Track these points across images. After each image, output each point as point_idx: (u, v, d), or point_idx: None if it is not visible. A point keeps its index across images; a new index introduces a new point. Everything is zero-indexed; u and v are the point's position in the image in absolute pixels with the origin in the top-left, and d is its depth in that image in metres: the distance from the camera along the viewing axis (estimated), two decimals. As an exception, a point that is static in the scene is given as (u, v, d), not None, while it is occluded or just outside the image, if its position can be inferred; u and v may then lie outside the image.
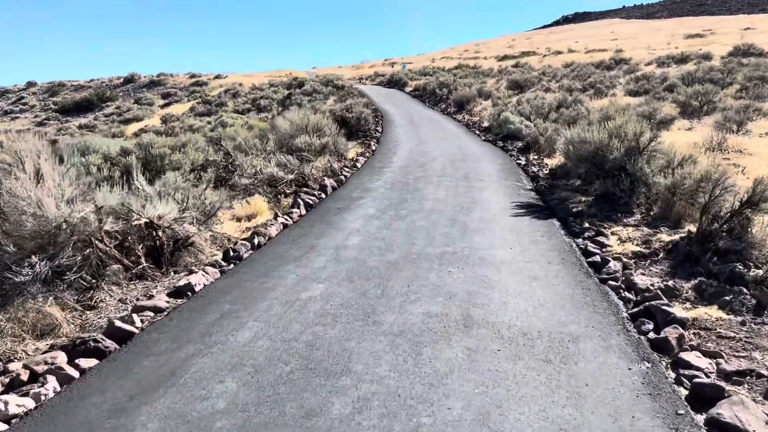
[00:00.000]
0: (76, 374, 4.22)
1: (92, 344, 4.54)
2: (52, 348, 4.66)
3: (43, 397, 3.90)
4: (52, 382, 4.05)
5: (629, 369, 4.06)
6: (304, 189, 10.90)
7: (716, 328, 4.70)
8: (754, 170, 9.62)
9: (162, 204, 6.82)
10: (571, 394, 3.75)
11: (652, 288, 5.37)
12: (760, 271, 5.37)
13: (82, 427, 3.56)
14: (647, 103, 18.12)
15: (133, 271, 6.23)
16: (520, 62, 51.66)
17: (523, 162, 13.85)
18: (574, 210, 8.64)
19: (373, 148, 17.50)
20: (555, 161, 12.96)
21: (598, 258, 6.40)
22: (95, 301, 5.56)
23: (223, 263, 6.78)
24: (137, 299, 5.75)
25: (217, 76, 67.56)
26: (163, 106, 52.01)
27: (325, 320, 4.99)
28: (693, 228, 6.91)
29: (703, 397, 3.67)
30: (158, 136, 14.82)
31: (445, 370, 4.07)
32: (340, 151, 14.98)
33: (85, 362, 4.37)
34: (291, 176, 11.34)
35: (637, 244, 6.92)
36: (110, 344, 4.63)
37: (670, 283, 5.61)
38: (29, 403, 3.83)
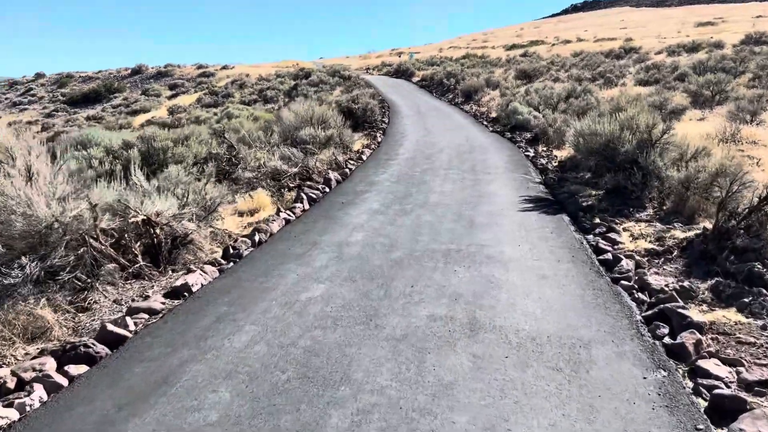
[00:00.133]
0: (64, 382, 4.05)
1: (83, 350, 4.37)
2: (42, 353, 4.48)
3: (28, 408, 3.73)
4: (38, 391, 3.87)
5: (644, 378, 3.84)
6: (308, 183, 10.69)
7: (735, 333, 4.46)
8: (771, 162, 9.34)
9: (161, 200, 6.61)
10: (583, 406, 3.53)
11: (666, 289, 5.14)
12: (781, 272, 5.13)
13: (67, 441, 3.40)
14: (658, 92, 17.72)
15: (130, 270, 6.04)
16: (528, 51, 51.02)
17: (531, 154, 13.57)
18: (585, 204, 8.38)
19: (379, 139, 17.25)
20: (564, 153, 12.66)
21: (609, 256, 6.16)
22: (89, 303, 5.38)
23: (223, 261, 6.59)
24: (132, 300, 5.57)
25: (224, 67, 67.31)
26: (170, 98, 51.84)
27: (325, 323, 4.79)
28: (708, 224, 6.66)
29: (724, 410, 3.45)
30: (163, 129, 14.61)
31: (450, 379, 3.86)
32: (345, 143, 14.74)
33: (75, 369, 4.19)
34: (295, 169, 11.12)
35: (650, 241, 6.66)
36: (101, 349, 4.45)
37: (686, 283, 5.36)
38: (13, 414, 3.64)
